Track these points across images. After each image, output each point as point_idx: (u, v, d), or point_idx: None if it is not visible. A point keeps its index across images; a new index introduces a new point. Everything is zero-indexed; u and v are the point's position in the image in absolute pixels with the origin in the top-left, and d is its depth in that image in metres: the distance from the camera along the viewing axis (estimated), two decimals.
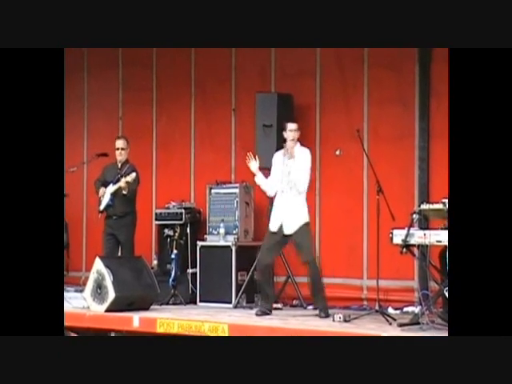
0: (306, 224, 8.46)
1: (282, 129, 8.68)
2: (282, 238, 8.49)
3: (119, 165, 9.80)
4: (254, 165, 8.59)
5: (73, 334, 8.63)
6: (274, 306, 8.94)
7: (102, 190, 9.78)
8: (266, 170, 8.80)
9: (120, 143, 9.87)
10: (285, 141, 8.58)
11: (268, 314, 8.50)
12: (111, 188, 9.68)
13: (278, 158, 8.61)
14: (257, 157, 8.64)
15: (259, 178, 8.64)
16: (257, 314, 8.49)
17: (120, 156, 9.82)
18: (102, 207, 9.77)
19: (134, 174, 9.48)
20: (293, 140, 8.49)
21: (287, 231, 8.42)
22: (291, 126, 8.53)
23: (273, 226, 8.49)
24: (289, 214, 8.40)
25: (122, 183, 9.51)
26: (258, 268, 8.84)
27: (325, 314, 8.26)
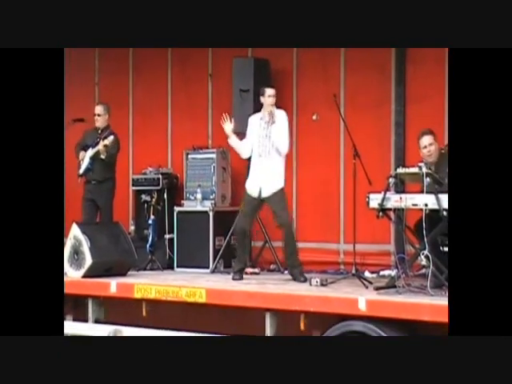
0: (282, 189, 8.44)
1: (258, 94, 8.65)
2: (259, 203, 8.50)
3: (99, 130, 9.75)
4: (228, 126, 8.55)
5: None
6: (252, 270, 9.00)
7: (81, 153, 9.73)
8: (242, 134, 8.81)
9: (97, 109, 9.81)
10: (261, 106, 8.56)
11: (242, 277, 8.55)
12: (90, 152, 9.64)
13: (255, 121, 8.54)
14: (232, 119, 8.58)
15: (233, 140, 8.57)
16: (234, 279, 8.50)
17: (97, 122, 9.76)
18: (81, 171, 9.72)
19: (111, 137, 9.43)
20: (273, 105, 8.43)
21: (264, 194, 8.41)
22: (270, 91, 8.46)
23: (252, 191, 8.47)
24: (267, 178, 8.37)
25: (100, 146, 9.47)
26: (236, 233, 8.86)
27: (303, 279, 8.28)
